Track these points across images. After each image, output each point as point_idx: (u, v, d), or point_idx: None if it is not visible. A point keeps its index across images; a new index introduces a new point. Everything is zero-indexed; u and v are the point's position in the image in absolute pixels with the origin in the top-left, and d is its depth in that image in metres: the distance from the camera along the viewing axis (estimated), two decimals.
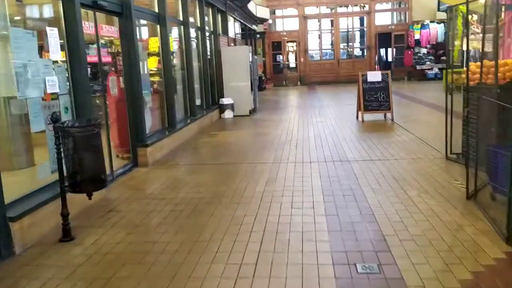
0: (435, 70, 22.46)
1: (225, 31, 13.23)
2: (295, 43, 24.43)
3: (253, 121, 10.83)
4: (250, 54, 11.89)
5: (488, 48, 6.67)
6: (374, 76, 9.78)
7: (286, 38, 24.25)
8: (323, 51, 25.27)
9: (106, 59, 6.03)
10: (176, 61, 8.93)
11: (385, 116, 10.03)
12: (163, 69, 7.66)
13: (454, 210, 4.02)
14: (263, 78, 21.66)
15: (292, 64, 25.28)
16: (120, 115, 6.29)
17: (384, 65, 24.47)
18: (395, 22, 24.49)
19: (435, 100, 13.41)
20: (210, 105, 11.05)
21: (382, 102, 9.71)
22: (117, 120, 6.35)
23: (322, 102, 14.39)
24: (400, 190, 4.68)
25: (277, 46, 24.24)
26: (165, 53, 7.66)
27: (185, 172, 5.96)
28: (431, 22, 22.91)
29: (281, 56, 24.55)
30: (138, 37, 6.44)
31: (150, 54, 8.18)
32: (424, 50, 23.17)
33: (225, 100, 11.59)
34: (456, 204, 4.17)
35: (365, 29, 24.29)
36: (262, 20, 21.66)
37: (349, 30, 24.74)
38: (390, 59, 24.62)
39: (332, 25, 24.52)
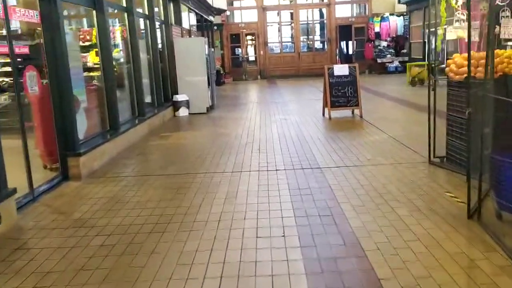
0: (396, 63, 22.20)
1: (179, 21, 12.10)
2: (254, 36, 23.54)
3: (211, 119, 9.84)
4: (206, 46, 10.87)
5: (475, 37, 6.01)
6: (341, 69, 9.02)
7: (244, 30, 23.30)
8: (283, 43, 24.51)
9: (22, 50, 4.87)
10: (119, 53, 7.80)
11: (352, 113, 9.33)
12: (102, 62, 6.54)
13: (457, 234, 3.25)
14: (221, 72, 20.64)
15: (252, 58, 24.38)
16: (45, 117, 5.15)
17: (345, 58, 24.06)
18: (355, 14, 24.07)
19: (398, 94, 12.91)
20: (163, 102, 9.95)
21: (350, 98, 8.97)
22: (41, 124, 5.21)
23: (284, 97, 13.58)
24: (387, 207, 3.88)
25: (236, 39, 23.25)
26: (103, 44, 6.53)
27: (126, 187, 4.92)
28: (390, 15, 22.63)
29: (240, 49, 23.59)
30: (69, 24, 5.30)
31: (89, 46, 7.05)
32: (384, 43, 22.87)
33: (180, 97, 10.52)
34: (457, 225, 3.40)
35: (325, 21, 23.71)
36: (219, 11, 20.58)
37: (309, 22, 24.10)
38: (350, 52, 24.24)
39: (292, 17, 23.78)
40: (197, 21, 17.47)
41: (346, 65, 9.11)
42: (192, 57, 10.60)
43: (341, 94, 8.97)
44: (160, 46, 10.70)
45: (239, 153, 6.26)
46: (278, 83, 19.63)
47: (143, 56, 9.14)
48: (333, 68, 9.03)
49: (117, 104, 6.79)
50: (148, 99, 9.41)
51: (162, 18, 10.80)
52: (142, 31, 9.51)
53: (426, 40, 16.61)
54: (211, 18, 20.11)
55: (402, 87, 14.92)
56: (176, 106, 10.45)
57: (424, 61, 16.84)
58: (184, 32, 12.79)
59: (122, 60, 7.89)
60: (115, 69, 7.76)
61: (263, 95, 14.73)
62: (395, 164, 5.26)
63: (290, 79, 21.75)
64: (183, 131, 8.62)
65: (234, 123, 8.96)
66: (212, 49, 11.66)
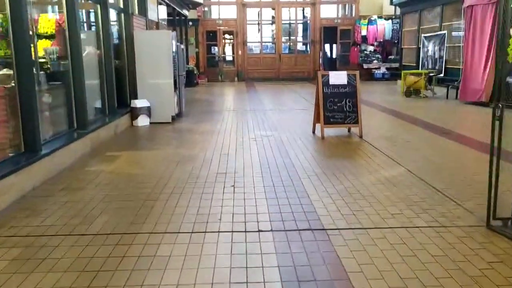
0: (383, 69, 20.86)
1: (143, 11, 10.17)
2: (232, 34, 21.73)
3: (176, 132, 7.97)
4: (174, 42, 8.99)
5: None
6: (338, 77, 7.32)
7: (222, 27, 21.45)
8: (263, 44, 22.79)
9: None
10: (51, 46, 5.87)
11: (349, 130, 7.65)
12: (14, 57, 4.61)
13: None
14: (195, 72, 18.74)
15: (229, 57, 22.57)
16: None
17: (328, 62, 22.57)
18: (340, 15, 22.56)
19: (395, 106, 11.34)
20: (116, 109, 8.01)
21: (348, 113, 7.28)
22: None
23: (264, 105, 11.82)
24: None
25: (212, 36, 21.37)
26: (18, 32, 4.61)
27: (14, 264, 3.04)
28: (379, 17, 21.24)
29: (216, 48, 21.74)
30: None
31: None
32: (371, 48, 21.48)
33: (139, 103, 8.61)
34: None
35: (308, 21, 22.10)
36: (195, 4, 18.67)
37: (292, 22, 22.44)
38: (334, 55, 22.75)
39: (274, 16, 22.07)
40: (169, 14, 15.53)
41: (345, 73, 7.41)
42: (156, 54, 8.71)
43: (338, 108, 7.28)
44: (117, 40, 8.77)
45: (205, 193, 4.45)
46: (257, 87, 17.87)
47: (90, 51, 7.22)
48: (328, 75, 7.31)
49: (37, 115, 4.86)
50: (97, 104, 7.49)
51: (121, 6, 8.86)
52: (92, 22, 7.59)
53: (421, 46, 15.19)
54: (185, 12, 18.19)
55: (396, 97, 13.39)
56: (135, 113, 8.54)
57: (417, 68, 15.43)
58: (150, 25, 10.87)
59: (53, 55, 5.96)
60: (45, 66, 5.83)
61: (240, 101, 12.93)
62: (436, 227, 3.54)
63: (270, 83, 20.04)
64: (137, 150, 6.72)
65: (203, 140, 7.13)
66: (182, 46, 9.80)
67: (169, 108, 8.90)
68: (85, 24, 7.95)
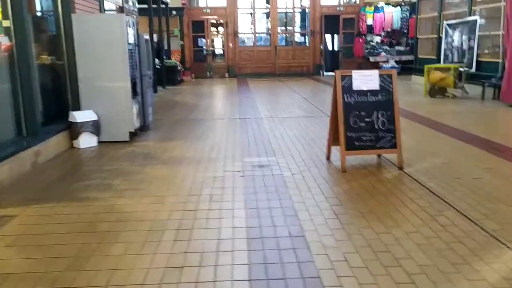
0: (391, 63, 18.47)
1: None
2: (222, 24, 19.22)
3: (129, 160, 5.51)
4: (131, 31, 6.52)
5: None
6: (367, 79, 4.89)
7: (210, 17, 18.93)
8: (257, 35, 20.27)
9: None
10: None
11: (379, 156, 5.26)
12: None
13: None
14: (179, 68, 16.26)
15: (219, 51, 20.06)
16: None
17: (330, 54, 20.14)
18: (343, 2, 20.08)
19: (424, 110, 8.94)
20: (40, 126, 5.53)
21: (381, 133, 4.87)
22: None
23: (258, 110, 9.39)
24: None
25: (200, 27, 18.85)
26: None
27: None
28: (386, 4, 18.84)
29: (204, 40, 19.24)
30: None
31: None
32: (377, 38, 19.10)
33: (80, 116, 6.16)
34: None
35: (307, 10, 19.61)
36: None
37: (289, 10, 19.91)
38: (336, 47, 20.31)
39: (268, 3, 19.56)
40: (143, 1, 13.00)
41: (376, 72, 4.97)
42: (104, 47, 6.24)
43: (366, 126, 4.86)
44: (53, 28, 6.32)
45: None
46: (250, 84, 15.43)
47: None
48: (351, 77, 4.88)
49: None
50: (4, 122, 5.05)
51: None
52: None
53: (443, 35, 12.76)
54: None
55: (419, 98, 11.00)
56: (74, 131, 6.08)
57: (438, 62, 13.03)
58: (111, 10, 8.41)
59: None
60: None
61: (229, 105, 10.48)
62: None
63: (265, 79, 17.60)
64: (49, 202, 4.22)
65: (163, 178, 4.71)
66: (146, 36, 7.32)
67: (126, 122, 6.46)
68: None
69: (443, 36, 12.88)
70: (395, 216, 3.51)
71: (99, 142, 6.33)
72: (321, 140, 6.21)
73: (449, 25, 12.65)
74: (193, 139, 6.68)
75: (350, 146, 4.84)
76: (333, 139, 5.18)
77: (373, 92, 4.88)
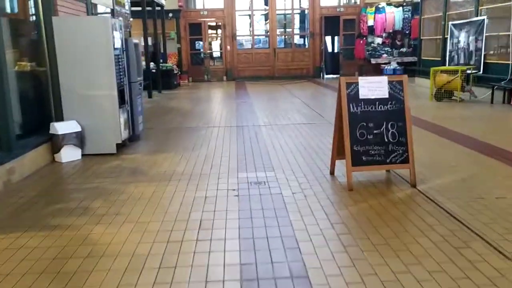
0: (394, 64, 18.01)
1: None
2: (219, 26, 18.75)
3: (116, 177, 5.01)
4: (118, 34, 6.03)
5: None
6: (375, 87, 4.40)
7: (208, 19, 18.46)
8: (255, 37, 19.79)
9: None
10: None
11: (388, 171, 4.76)
12: None
13: None
14: (175, 71, 15.77)
15: (217, 53, 19.58)
16: None
17: (330, 57, 19.67)
18: (343, 2, 19.60)
19: (431, 115, 8.45)
20: (15, 140, 5.04)
21: (392, 146, 4.37)
22: None
23: (257, 116, 8.91)
24: None
25: (197, 29, 18.36)
26: None
27: None
28: (387, 5, 18.38)
29: (201, 43, 18.76)
30: None
31: None
32: (378, 40, 18.62)
33: (62, 127, 5.66)
34: None
35: (306, 11, 19.14)
36: None
37: (288, 11, 19.43)
38: (336, 49, 19.85)
39: (266, 4, 19.08)
40: (136, 3, 12.53)
41: (384, 79, 4.47)
42: (88, 52, 5.75)
43: (374, 139, 4.36)
44: (33, 32, 5.84)
45: None
46: (248, 88, 14.95)
47: None
48: (357, 84, 4.38)
49: None
50: None
51: None
52: None
53: (448, 36, 12.29)
54: (161, 0, 15.18)
55: (424, 102, 10.52)
56: (56, 143, 5.59)
57: (443, 64, 12.56)
58: (96, 11, 7.92)
59: None
60: None
61: (226, 110, 9.99)
62: None
63: (263, 82, 17.12)
64: (14, 232, 3.74)
65: (148, 197, 4.21)
66: (135, 40, 6.82)
67: (112, 133, 5.96)
68: None
69: (448, 37, 12.40)
70: (414, 249, 3.01)
71: (83, 155, 5.84)
72: (324, 151, 5.72)
73: (454, 25, 12.17)
74: (185, 150, 6.18)
75: (357, 161, 4.34)
76: (337, 152, 4.69)
77: (382, 101, 4.39)
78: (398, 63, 17.93)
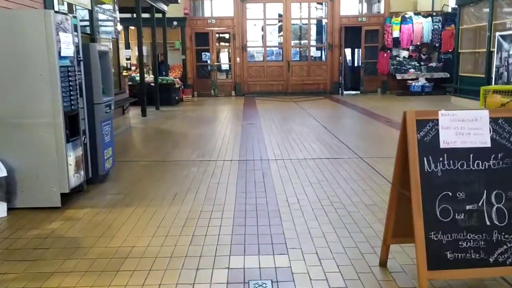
0: (422, 81, 16.16)
1: None
2: (228, 36, 17.04)
3: (33, 261, 3.18)
4: (70, 36, 4.23)
5: None
6: (467, 128, 2.51)
7: (216, 28, 16.79)
8: (267, 49, 18.02)
9: None
10: None
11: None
12: None
13: None
14: (176, 86, 14.03)
15: (225, 66, 17.85)
16: None
17: (350, 71, 17.85)
18: (365, 11, 17.79)
19: None
20: None
21: (499, 235, 2.47)
22: None
23: (266, 147, 7.01)
24: None
25: (203, 40, 16.70)
26: None
27: None
28: (415, 15, 16.59)
29: (208, 54, 17.08)
30: None
31: None
32: (405, 53, 16.79)
33: None
34: None
35: (323, 21, 17.37)
36: None
37: (304, 21, 17.67)
38: (357, 63, 18.05)
39: (281, 13, 17.34)
40: (131, 9, 10.88)
41: (484, 115, 2.58)
42: (19, 63, 3.98)
43: (467, 221, 2.45)
44: None
45: None
46: (258, 106, 13.14)
47: None
48: (436, 123, 2.50)
49: None
50: None
51: None
52: None
53: (495, 49, 10.34)
54: (163, 6, 13.55)
55: None
56: None
57: (488, 82, 10.62)
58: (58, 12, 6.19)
59: None
60: None
61: (230, 135, 8.13)
62: None
63: (276, 98, 15.31)
64: None
65: None
66: (100, 47, 5.04)
67: (55, 178, 4.14)
68: None
69: (495, 50, 10.45)
70: None
71: (13, 208, 4.03)
72: (362, 209, 3.82)
73: (503, 36, 10.24)
74: (163, 201, 4.34)
75: (437, 260, 2.43)
76: (394, 232, 2.80)
77: (480, 153, 2.50)
78: (427, 79, 16.14)
